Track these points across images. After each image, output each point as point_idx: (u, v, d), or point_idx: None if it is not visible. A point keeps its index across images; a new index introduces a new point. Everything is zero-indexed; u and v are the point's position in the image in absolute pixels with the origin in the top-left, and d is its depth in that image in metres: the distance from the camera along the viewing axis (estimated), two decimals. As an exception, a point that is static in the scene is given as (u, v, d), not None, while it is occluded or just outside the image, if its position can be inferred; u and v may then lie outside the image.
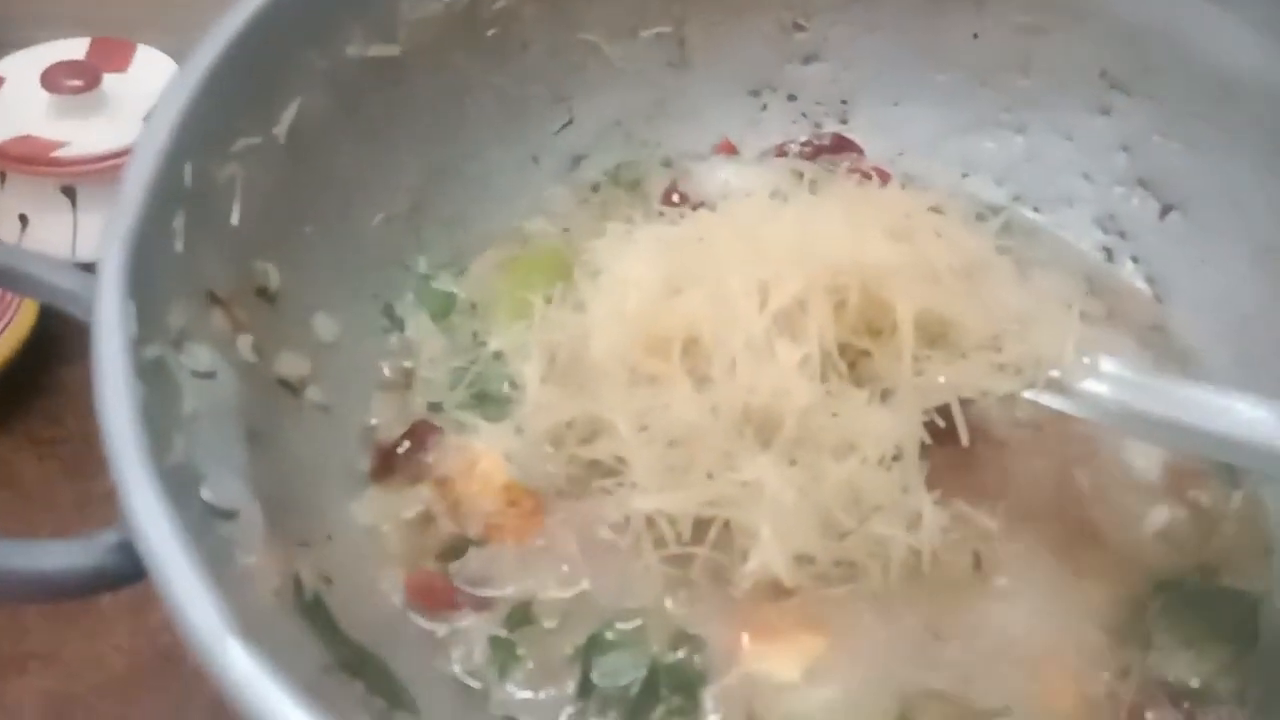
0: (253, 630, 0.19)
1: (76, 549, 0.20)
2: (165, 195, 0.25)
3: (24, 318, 0.47)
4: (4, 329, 0.46)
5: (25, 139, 0.48)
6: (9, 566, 0.20)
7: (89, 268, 0.48)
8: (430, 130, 0.35)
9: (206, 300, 0.26)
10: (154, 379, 0.22)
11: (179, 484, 0.21)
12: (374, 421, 0.32)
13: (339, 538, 0.28)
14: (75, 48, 0.53)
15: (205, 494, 0.22)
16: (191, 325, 0.25)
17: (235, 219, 0.28)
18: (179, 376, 0.24)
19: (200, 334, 0.25)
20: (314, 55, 0.31)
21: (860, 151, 0.41)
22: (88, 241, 0.49)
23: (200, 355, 0.25)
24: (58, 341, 0.49)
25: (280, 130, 0.29)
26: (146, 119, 0.26)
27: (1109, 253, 0.39)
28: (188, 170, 0.26)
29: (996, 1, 0.38)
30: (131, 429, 0.21)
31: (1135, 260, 0.39)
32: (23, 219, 0.50)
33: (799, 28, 0.41)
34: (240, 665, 0.18)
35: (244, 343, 0.27)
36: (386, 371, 0.33)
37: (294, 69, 0.30)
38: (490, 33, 0.36)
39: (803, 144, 0.42)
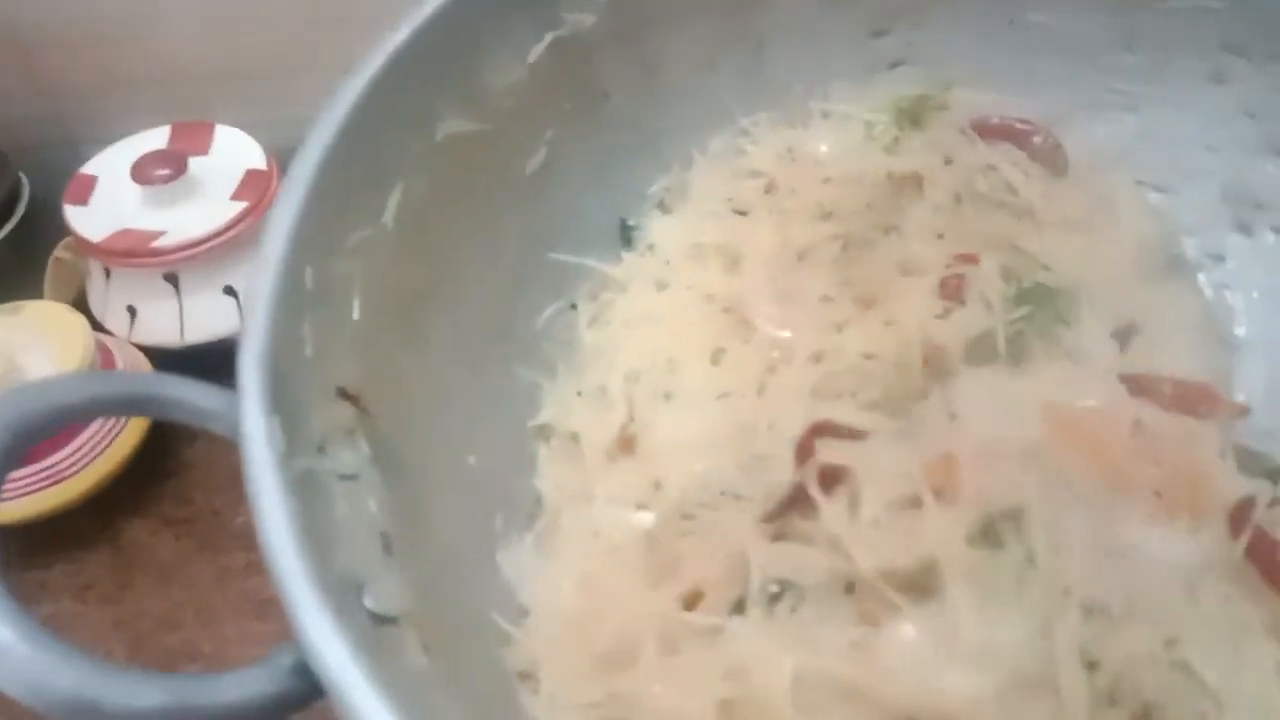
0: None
1: (258, 677, 0.21)
2: (291, 304, 0.25)
3: (147, 405, 0.49)
4: (130, 418, 0.48)
5: (125, 233, 0.50)
6: (193, 704, 0.20)
7: (196, 350, 0.51)
8: (526, 195, 0.35)
9: (338, 398, 0.26)
10: (307, 492, 0.22)
11: (343, 597, 0.21)
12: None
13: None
14: (158, 137, 0.55)
15: (368, 602, 0.22)
16: (329, 428, 0.25)
17: (356, 313, 0.28)
18: (328, 484, 0.24)
19: (338, 435, 0.25)
20: (409, 138, 0.31)
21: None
22: (194, 324, 0.51)
23: (342, 458, 0.25)
24: (178, 424, 0.51)
25: (389, 218, 0.29)
26: (263, 232, 0.26)
27: (1246, 228, 0.37)
28: (309, 274, 0.26)
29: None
30: (294, 548, 0.21)
31: (1277, 231, 0.37)
32: (131, 310, 0.52)
33: (881, 34, 0.40)
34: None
35: (379, 433, 0.27)
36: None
37: (392, 155, 0.30)
38: (572, 89, 0.36)
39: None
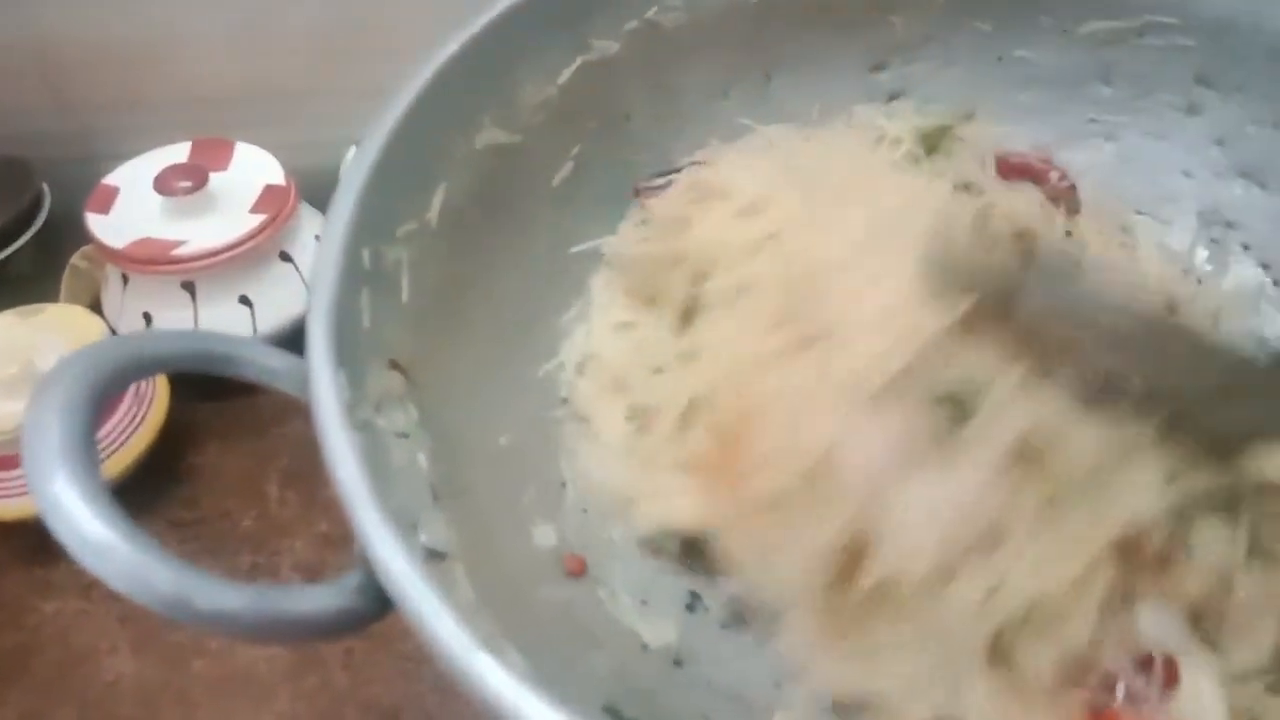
0: (493, 646, 0.23)
1: (328, 593, 0.24)
2: (351, 278, 0.29)
3: (157, 410, 0.52)
4: (140, 422, 0.51)
5: (145, 241, 0.54)
6: (271, 608, 0.24)
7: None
8: (553, 203, 0.40)
9: (390, 368, 0.30)
10: (367, 437, 0.26)
11: (402, 529, 0.25)
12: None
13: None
14: (179, 152, 0.59)
15: (422, 538, 0.26)
16: (383, 393, 0.29)
17: (405, 295, 0.32)
18: (384, 437, 0.28)
19: (391, 400, 0.29)
20: (452, 144, 0.35)
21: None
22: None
23: (396, 418, 0.29)
24: (188, 430, 0.55)
25: (432, 215, 0.34)
26: (327, 213, 0.31)
27: (1218, 244, 0.42)
28: (365, 254, 0.30)
29: (1071, 19, 0.42)
30: (362, 481, 0.25)
31: (1245, 247, 0.42)
32: (146, 317, 0.55)
33: (879, 69, 0.45)
34: (494, 675, 0.22)
35: (425, 402, 0.31)
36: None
37: (437, 159, 0.34)
38: (597, 109, 0.40)
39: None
